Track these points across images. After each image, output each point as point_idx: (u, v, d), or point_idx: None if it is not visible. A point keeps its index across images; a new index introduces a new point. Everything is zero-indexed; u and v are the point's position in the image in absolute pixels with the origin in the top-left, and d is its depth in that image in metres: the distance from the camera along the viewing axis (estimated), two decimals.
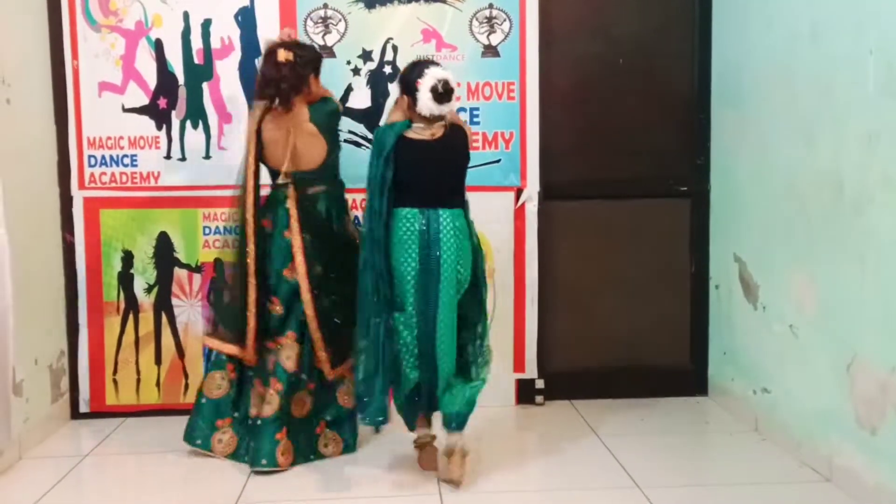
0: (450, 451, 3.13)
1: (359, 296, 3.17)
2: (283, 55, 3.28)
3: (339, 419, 3.49)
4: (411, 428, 3.29)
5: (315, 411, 3.46)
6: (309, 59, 3.41)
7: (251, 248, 3.38)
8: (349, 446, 3.48)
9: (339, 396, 3.50)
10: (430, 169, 3.14)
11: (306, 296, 3.38)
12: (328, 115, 3.46)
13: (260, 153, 3.40)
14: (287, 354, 3.39)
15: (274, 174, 3.42)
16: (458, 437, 3.15)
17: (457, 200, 3.19)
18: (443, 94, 3.06)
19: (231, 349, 3.44)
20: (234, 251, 3.48)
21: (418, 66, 3.16)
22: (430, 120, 3.12)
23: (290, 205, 3.39)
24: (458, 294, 3.13)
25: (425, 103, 3.07)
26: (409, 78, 3.14)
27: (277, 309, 3.42)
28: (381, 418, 3.22)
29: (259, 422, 3.33)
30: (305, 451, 3.40)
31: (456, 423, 3.15)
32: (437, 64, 3.18)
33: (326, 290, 3.42)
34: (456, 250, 3.10)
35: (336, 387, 3.50)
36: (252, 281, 3.38)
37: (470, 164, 3.92)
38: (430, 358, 3.13)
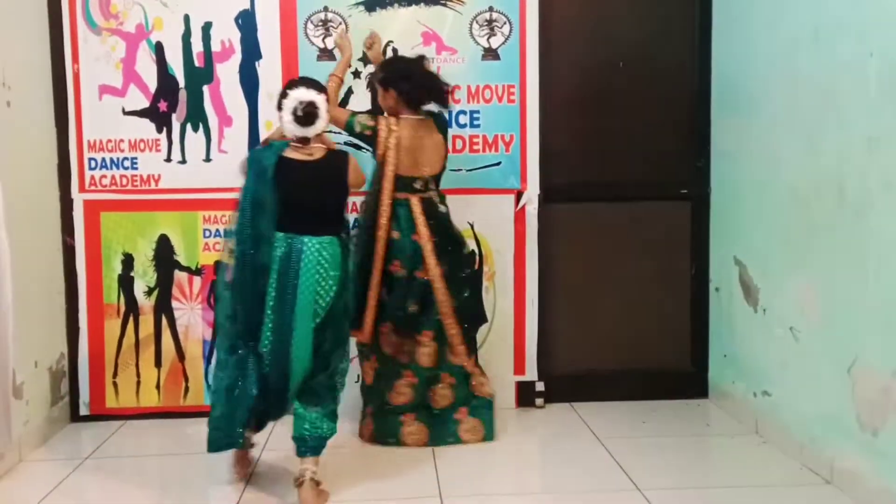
0: (298, 480, 3.00)
1: (224, 320, 3.07)
2: (430, 65, 3.42)
3: (478, 407, 3.66)
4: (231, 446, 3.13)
5: (456, 402, 3.63)
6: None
7: (380, 249, 3.49)
8: (489, 434, 3.65)
9: (474, 388, 3.66)
10: (304, 192, 3.02)
11: (443, 296, 3.53)
12: (446, 122, 3.69)
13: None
14: (424, 352, 3.56)
15: (399, 181, 3.50)
16: (309, 463, 3.02)
17: (330, 228, 3.04)
18: (302, 117, 2.99)
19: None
20: (356, 250, 3.54)
21: (289, 85, 3.12)
22: (307, 140, 3.05)
23: (417, 209, 3.51)
24: (314, 324, 2.99)
25: (286, 125, 3.02)
26: (280, 96, 3.09)
27: (414, 308, 3.54)
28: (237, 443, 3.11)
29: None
30: (443, 436, 3.60)
31: (303, 447, 3.04)
32: (310, 83, 3.09)
33: (457, 288, 3.59)
34: (315, 281, 2.96)
35: (469, 379, 3.66)
36: (378, 278, 3.51)
37: (471, 167, 3.95)
38: (278, 393, 3.01)
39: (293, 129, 3.02)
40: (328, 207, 3.09)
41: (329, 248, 3.00)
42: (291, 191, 2.99)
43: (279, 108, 3.07)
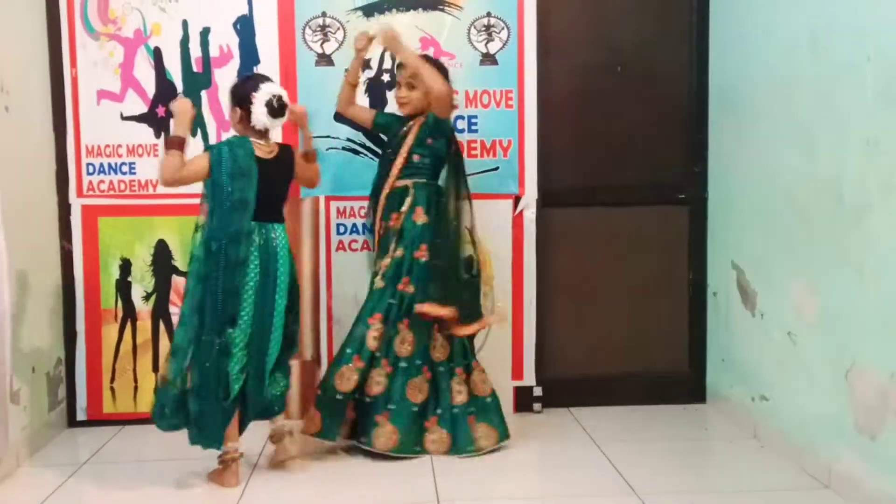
0: (278, 435, 3.31)
1: (190, 312, 3.13)
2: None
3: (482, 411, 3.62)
4: (219, 444, 3.21)
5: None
6: None
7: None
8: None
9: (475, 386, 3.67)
10: (272, 187, 3.22)
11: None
12: None
13: None
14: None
15: None
16: (282, 419, 3.34)
17: (281, 216, 3.31)
18: (277, 108, 3.17)
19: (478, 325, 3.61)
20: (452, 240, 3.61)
21: (252, 80, 3.25)
22: (263, 135, 3.21)
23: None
24: (287, 303, 3.26)
25: (259, 117, 3.15)
26: (244, 91, 3.21)
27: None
28: (217, 444, 3.21)
29: (488, 399, 3.60)
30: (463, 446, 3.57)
31: (275, 407, 3.32)
32: (270, 79, 3.28)
33: None
34: (289, 262, 3.25)
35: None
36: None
37: (469, 172, 3.97)
38: (258, 367, 3.20)
39: (265, 121, 3.17)
40: (283, 199, 3.33)
41: (285, 235, 3.29)
42: (264, 187, 3.18)
43: (245, 101, 3.17)
